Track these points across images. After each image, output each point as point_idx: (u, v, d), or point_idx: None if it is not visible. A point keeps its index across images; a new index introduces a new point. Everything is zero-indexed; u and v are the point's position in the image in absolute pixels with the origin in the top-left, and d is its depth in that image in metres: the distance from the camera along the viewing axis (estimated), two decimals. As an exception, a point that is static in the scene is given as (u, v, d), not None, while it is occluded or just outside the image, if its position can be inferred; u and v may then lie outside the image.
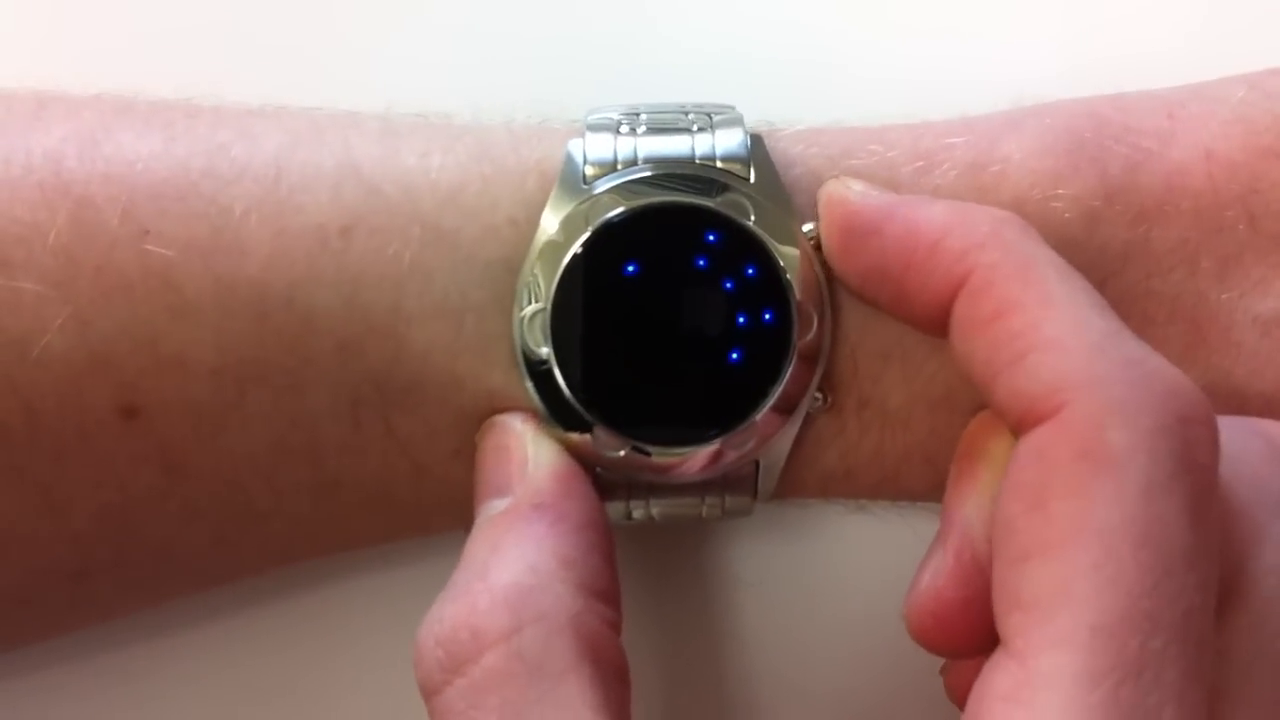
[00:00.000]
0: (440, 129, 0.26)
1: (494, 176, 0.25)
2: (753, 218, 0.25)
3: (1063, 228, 0.25)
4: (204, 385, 0.24)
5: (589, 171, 0.25)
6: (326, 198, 0.24)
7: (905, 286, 0.24)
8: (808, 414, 0.25)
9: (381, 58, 0.31)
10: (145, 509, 0.25)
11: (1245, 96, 0.26)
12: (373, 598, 0.29)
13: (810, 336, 0.25)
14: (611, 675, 0.22)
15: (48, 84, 0.26)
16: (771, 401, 0.25)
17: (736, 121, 0.26)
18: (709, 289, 0.25)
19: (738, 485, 0.26)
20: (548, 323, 0.24)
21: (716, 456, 0.25)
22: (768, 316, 0.25)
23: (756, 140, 0.25)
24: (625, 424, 0.24)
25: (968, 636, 0.22)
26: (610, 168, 0.25)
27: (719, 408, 0.25)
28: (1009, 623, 0.20)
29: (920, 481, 0.26)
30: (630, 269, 0.24)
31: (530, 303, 0.24)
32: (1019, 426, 0.21)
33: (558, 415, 0.24)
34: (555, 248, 0.24)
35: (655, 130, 0.26)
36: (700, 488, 0.26)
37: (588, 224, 0.24)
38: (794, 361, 0.25)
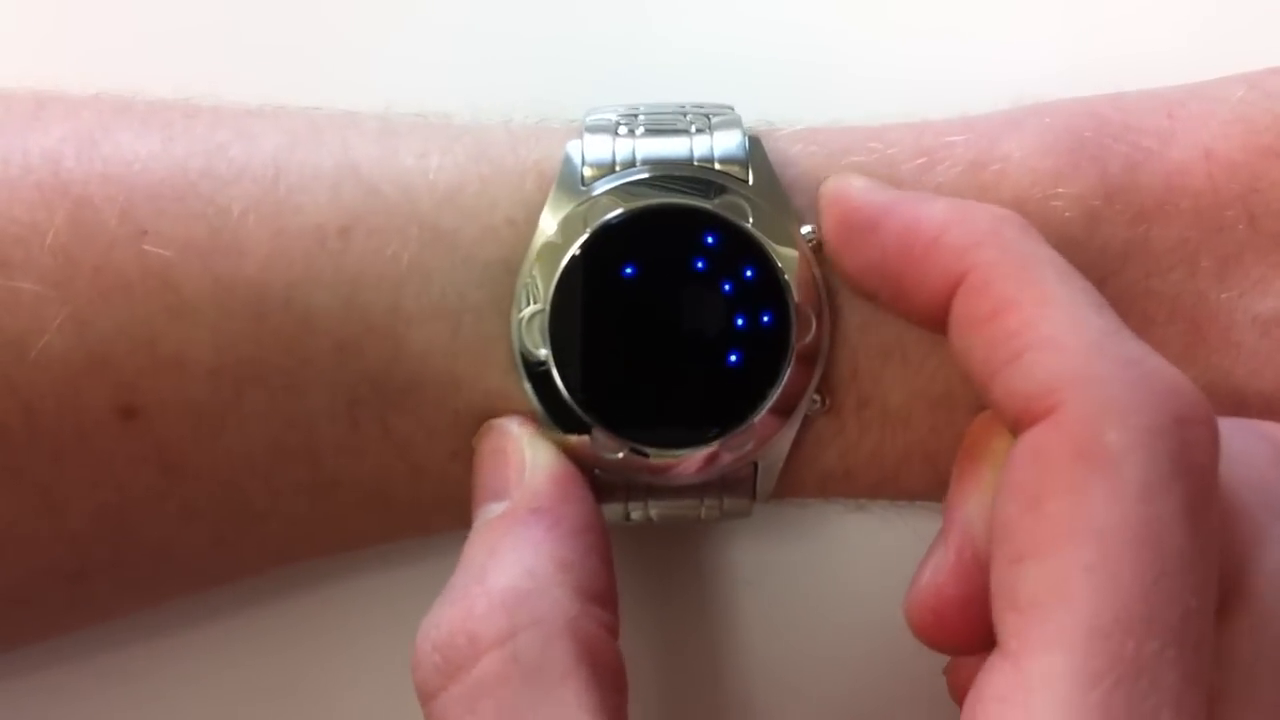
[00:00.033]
0: (439, 129, 0.26)
1: (492, 177, 0.25)
2: (751, 220, 0.25)
3: (1063, 227, 0.25)
4: (202, 385, 0.24)
5: (587, 173, 0.25)
6: (325, 198, 0.24)
7: (904, 283, 0.23)
8: (807, 415, 0.25)
9: (380, 58, 0.31)
10: (143, 509, 0.25)
11: (1245, 96, 0.26)
12: (371, 598, 0.29)
13: (809, 338, 0.25)
14: (608, 679, 0.22)
15: (46, 84, 0.26)
16: (770, 403, 0.24)
17: (735, 123, 0.26)
18: (707, 291, 0.24)
19: (736, 486, 0.26)
20: (546, 324, 0.24)
21: (715, 458, 0.25)
22: (766, 318, 0.24)
23: (755, 142, 0.25)
24: (623, 425, 0.24)
25: (967, 634, 0.22)
26: (608, 169, 0.25)
27: (717, 409, 0.25)
28: (1005, 623, 0.20)
29: (920, 480, 0.26)
30: (629, 271, 0.24)
31: (529, 304, 0.24)
32: (1016, 425, 0.21)
33: (556, 417, 0.24)
34: (554, 249, 0.24)
35: (653, 132, 0.25)
36: (699, 489, 0.26)
37: (586, 225, 0.24)
38: (792, 363, 0.25)
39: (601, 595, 0.23)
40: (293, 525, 0.26)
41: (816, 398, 0.25)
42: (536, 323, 0.24)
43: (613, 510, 0.26)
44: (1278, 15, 0.32)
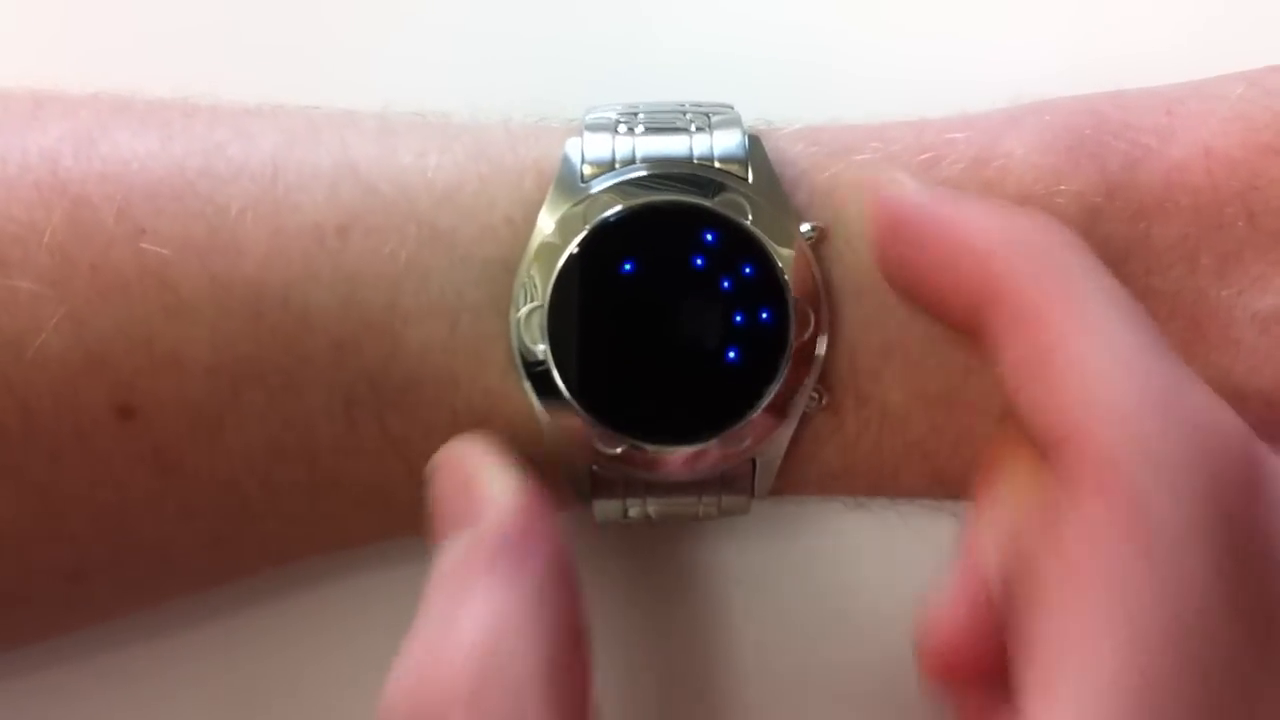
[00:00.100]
0: (437, 128, 0.26)
1: (491, 176, 0.25)
2: (750, 217, 0.25)
3: (1066, 224, 0.25)
4: (199, 384, 0.24)
5: (586, 171, 0.25)
6: (323, 197, 0.24)
7: (940, 286, 0.23)
8: (805, 412, 0.25)
9: (379, 57, 0.31)
10: (142, 509, 0.25)
11: (1244, 93, 0.26)
12: (370, 596, 0.29)
13: (807, 335, 0.25)
14: None
15: (45, 83, 0.26)
16: (768, 400, 0.24)
17: (734, 122, 0.26)
18: (706, 288, 0.24)
19: (734, 483, 0.26)
20: (544, 321, 0.24)
21: (713, 455, 0.25)
22: (765, 316, 0.24)
23: (754, 140, 0.25)
24: (622, 422, 0.24)
25: (974, 668, 0.22)
26: (608, 167, 0.25)
27: (715, 406, 0.25)
28: (1021, 675, 0.19)
29: (919, 478, 0.26)
30: (627, 268, 0.24)
31: (527, 302, 0.24)
32: (1040, 446, 0.20)
33: (554, 414, 0.24)
34: (552, 247, 0.24)
35: (653, 130, 0.25)
36: (697, 486, 0.26)
37: (585, 223, 0.24)
38: (791, 360, 0.25)
39: (573, 631, 0.22)
40: (291, 524, 0.26)
41: (815, 395, 0.25)
42: (535, 320, 0.24)
43: (610, 507, 0.26)
44: (1278, 15, 0.32)
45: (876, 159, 0.26)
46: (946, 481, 0.26)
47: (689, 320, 0.24)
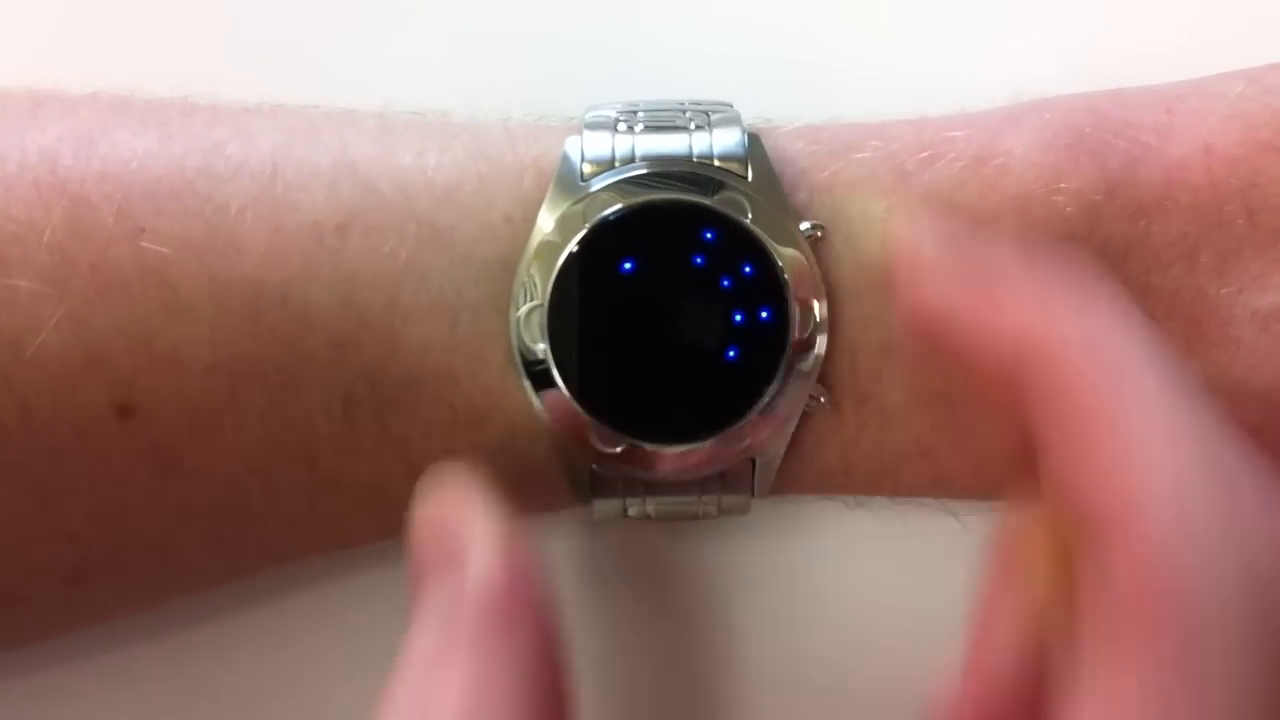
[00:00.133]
0: (437, 127, 0.26)
1: (490, 174, 0.25)
2: (750, 216, 0.25)
3: (1065, 223, 0.25)
4: (199, 383, 0.24)
5: (586, 169, 0.25)
6: (322, 195, 0.24)
7: (974, 357, 0.21)
8: (805, 411, 0.25)
9: (379, 57, 0.31)
10: (141, 508, 0.25)
11: (1244, 91, 0.26)
12: (370, 596, 0.29)
13: (807, 334, 0.25)
14: None
15: (44, 83, 0.26)
16: (768, 399, 0.24)
17: (734, 120, 0.26)
18: (706, 287, 0.24)
19: (734, 483, 0.26)
20: (544, 320, 0.24)
21: (712, 454, 0.25)
22: (764, 314, 0.24)
23: (754, 139, 0.25)
24: (621, 421, 0.24)
25: None
26: (607, 166, 0.25)
27: (715, 405, 0.25)
28: None
29: (919, 477, 0.26)
30: (627, 266, 0.24)
31: (527, 300, 0.24)
32: (1076, 525, 0.19)
33: (554, 412, 0.24)
34: (552, 246, 0.24)
35: (653, 128, 0.25)
36: (697, 485, 0.25)
37: (584, 222, 0.24)
38: (790, 359, 0.24)
39: (557, 695, 0.21)
40: (291, 524, 0.26)
41: (815, 395, 0.25)
42: (535, 319, 0.24)
43: (610, 506, 0.26)
44: (1278, 15, 0.32)
45: (876, 157, 0.26)
46: (946, 481, 0.26)
47: (689, 319, 0.24)
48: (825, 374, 0.25)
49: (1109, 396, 0.19)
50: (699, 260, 0.24)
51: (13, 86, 0.26)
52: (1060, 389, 0.19)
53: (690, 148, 0.25)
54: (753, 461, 0.25)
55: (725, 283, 0.24)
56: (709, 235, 0.24)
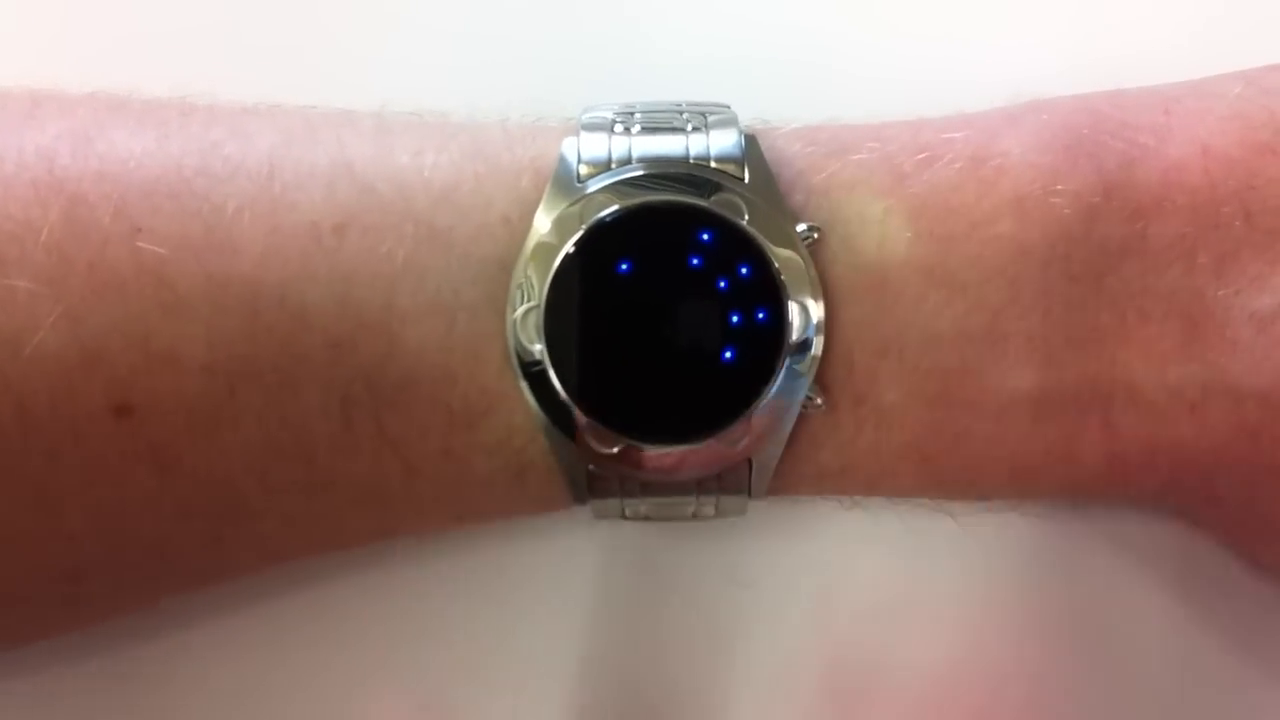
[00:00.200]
0: (434, 127, 0.26)
1: (488, 175, 0.25)
2: (746, 217, 0.25)
3: (1063, 223, 0.25)
4: (196, 383, 0.24)
5: (583, 170, 0.25)
6: (320, 196, 0.24)
7: None
8: (803, 412, 0.25)
9: (377, 57, 0.31)
10: (138, 507, 0.25)
11: (1242, 92, 0.26)
12: (366, 596, 0.29)
13: (804, 335, 0.25)
14: None
15: (42, 83, 0.26)
16: (765, 400, 0.24)
17: (731, 121, 0.26)
18: (702, 288, 0.24)
19: (731, 484, 0.26)
20: (541, 321, 0.24)
21: (709, 454, 0.25)
22: (761, 315, 0.24)
23: (751, 140, 0.25)
24: (618, 421, 0.24)
25: None
26: (604, 167, 0.25)
27: (712, 406, 0.24)
28: None
29: (916, 478, 0.26)
30: (624, 268, 0.24)
31: (524, 301, 0.24)
32: None
33: (551, 413, 0.24)
34: (548, 247, 0.24)
35: (650, 130, 0.25)
36: (693, 485, 0.25)
37: (581, 223, 0.24)
38: (787, 360, 0.24)
39: None
40: (288, 524, 0.26)
41: (812, 395, 0.25)
42: (531, 319, 0.24)
43: (607, 507, 0.26)
44: (1278, 15, 0.32)
45: (873, 158, 0.26)
46: (943, 481, 0.26)
47: (686, 320, 0.24)
48: (822, 375, 0.25)
49: None
50: (696, 261, 0.24)
51: (11, 86, 0.26)
52: None
53: (687, 149, 0.25)
54: (749, 462, 0.25)
55: (722, 284, 0.24)
56: (705, 236, 0.24)
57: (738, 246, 0.24)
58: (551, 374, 0.24)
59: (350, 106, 0.27)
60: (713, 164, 0.25)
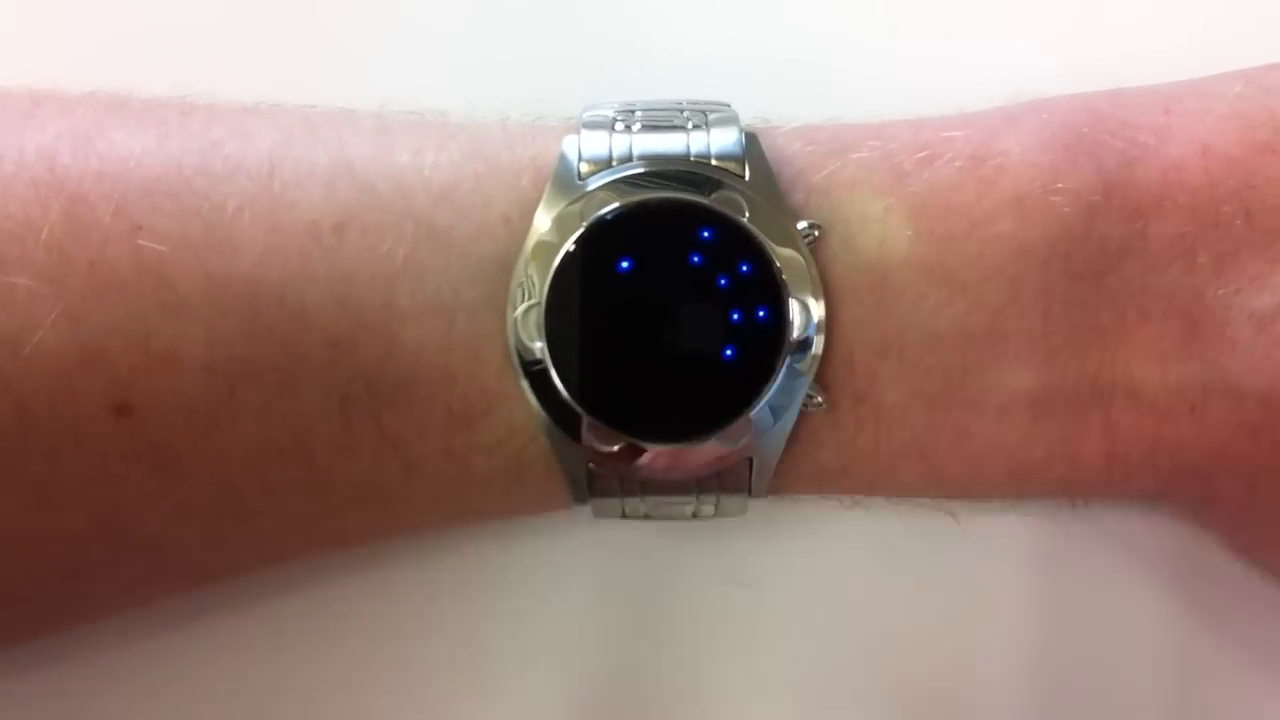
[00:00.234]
0: (434, 127, 0.26)
1: (488, 174, 0.25)
2: (747, 215, 0.25)
3: (1062, 222, 0.25)
4: (195, 382, 0.24)
5: (583, 169, 0.25)
6: (320, 195, 0.24)
7: None
8: (802, 411, 0.25)
9: (377, 57, 0.31)
10: (138, 507, 0.24)
11: (1242, 92, 0.26)
12: (366, 596, 0.29)
13: (805, 333, 0.25)
14: None
15: (43, 83, 0.26)
16: (765, 399, 0.24)
17: (732, 120, 0.26)
18: (703, 286, 0.24)
19: (732, 483, 0.25)
20: (541, 319, 0.24)
21: (710, 453, 0.25)
22: (762, 314, 0.24)
23: (752, 138, 0.25)
24: (618, 420, 0.24)
25: None
26: (605, 165, 0.25)
27: (712, 404, 0.24)
28: None
29: (916, 477, 0.26)
30: (624, 265, 0.24)
31: (524, 300, 0.24)
32: None
33: (551, 411, 0.24)
34: (549, 245, 0.24)
35: (650, 128, 0.25)
36: (693, 484, 0.25)
37: (582, 221, 0.24)
38: (788, 358, 0.24)
39: None
40: (287, 523, 0.26)
41: (812, 394, 0.25)
42: (532, 318, 0.24)
43: (607, 505, 0.26)
44: (1278, 15, 0.32)
45: (874, 157, 0.26)
46: (944, 480, 0.26)
47: (686, 318, 0.24)
48: (822, 373, 0.25)
49: None
50: (696, 260, 0.24)
51: (11, 86, 0.26)
52: None
53: (688, 147, 0.25)
54: (750, 461, 0.25)
55: (722, 282, 0.24)
56: (706, 234, 0.24)
57: (738, 244, 0.24)
58: (552, 373, 0.24)
59: (350, 106, 0.27)
60: (713, 162, 0.25)
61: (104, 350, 0.23)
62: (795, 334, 0.24)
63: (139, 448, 0.24)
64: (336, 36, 0.31)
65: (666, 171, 0.25)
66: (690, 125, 0.26)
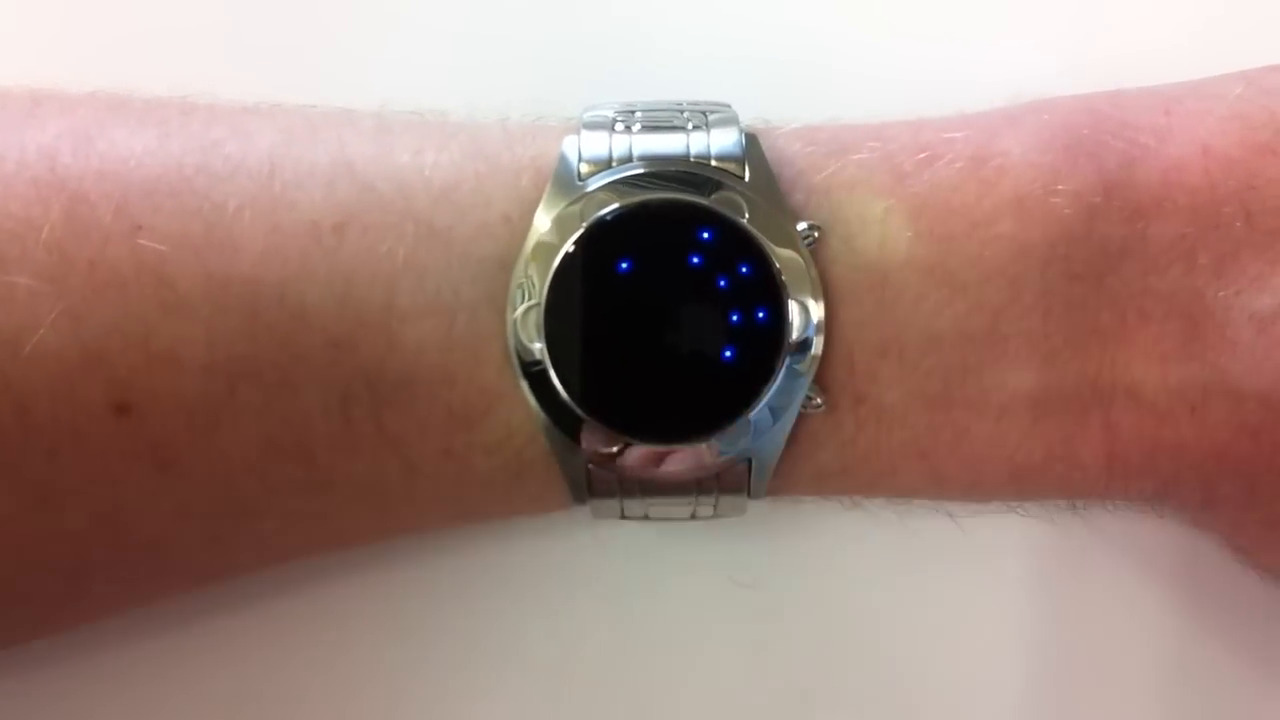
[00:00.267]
0: (435, 126, 0.26)
1: (488, 174, 0.25)
2: (747, 216, 0.25)
3: (1063, 223, 0.25)
4: (195, 381, 0.24)
5: (584, 169, 0.25)
6: (320, 195, 0.24)
7: None
8: (802, 412, 0.25)
9: (377, 57, 0.31)
10: (139, 506, 0.24)
11: (1242, 93, 0.26)
12: (365, 596, 0.29)
13: (804, 334, 0.25)
14: None
15: (43, 82, 0.26)
16: (764, 399, 0.24)
17: (732, 120, 0.26)
18: (702, 287, 0.24)
19: (731, 484, 0.25)
20: (541, 320, 0.24)
21: (709, 454, 0.25)
22: (761, 314, 0.24)
23: (751, 139, 0.25)
24: (618, 421, 0.24)
25: None
26: (605, 165, 0.25)
27: (712, 405, 0.24)
28: None
29: (916, 478, 0.26)
30: (624, 266, 0.24)
31: (524, 300, 0.24)
32: None
33: (551, 412, 0.24)
34: (549, 246, 0.24)
35: (650, 128, 0.25)
36: (693, 486, 0.25)
37: (581, 221, 0.24)
38: (787, 359, 0.24)
39: None
40: (288, 523, 0.26)
41: (812, 395, 0.25)
42: (532, 318, 0.24)
43: (607, 506, 0.26)
44: (1278, 15, 0.32)
45: (874, 158, 0.26)
46: (944, 481, 0.26)
47: (686, 319, 0.24)
48: (822, 374, 0.25)
49: None
50: (696, 260, 0.24)
51: (12, 85, 0.26)
52: None
53: (688, 148, 0.25)
54: (749, 462, 0.25)
55: (722, 283, 0.24)
56: (706, 235, 0.24)
57: (738, 245, 0.24)
58: (552, 373, 0.24)
59: (350, 106, 0.27)
60: (713, 163, 0.25)
61: (104, 349, 0.23)
62: (795, 335, 0.24)
63: (139, 447, 0.24)
64: (337, 37, 0.31)
65: (666, 172, 0.25)
66: (690, 126, 0.26)
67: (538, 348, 0.24)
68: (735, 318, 0.24)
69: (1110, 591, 0.30)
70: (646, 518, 0.26)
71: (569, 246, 0.24)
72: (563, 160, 0.25)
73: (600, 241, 0.24)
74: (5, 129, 0.24)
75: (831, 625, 0.30)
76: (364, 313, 0.24)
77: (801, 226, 0.25)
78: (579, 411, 0.24)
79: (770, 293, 0.24)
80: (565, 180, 0.25)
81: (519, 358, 0.24)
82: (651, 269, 0.24)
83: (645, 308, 0.24)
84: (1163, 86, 0.27)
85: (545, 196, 0.25)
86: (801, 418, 0.25)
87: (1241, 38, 0.31)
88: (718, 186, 0.25)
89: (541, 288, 0.24)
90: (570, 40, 0.32)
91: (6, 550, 0.25)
